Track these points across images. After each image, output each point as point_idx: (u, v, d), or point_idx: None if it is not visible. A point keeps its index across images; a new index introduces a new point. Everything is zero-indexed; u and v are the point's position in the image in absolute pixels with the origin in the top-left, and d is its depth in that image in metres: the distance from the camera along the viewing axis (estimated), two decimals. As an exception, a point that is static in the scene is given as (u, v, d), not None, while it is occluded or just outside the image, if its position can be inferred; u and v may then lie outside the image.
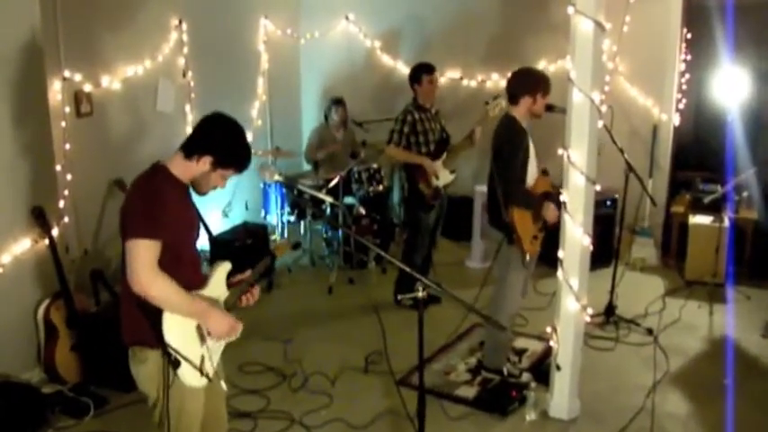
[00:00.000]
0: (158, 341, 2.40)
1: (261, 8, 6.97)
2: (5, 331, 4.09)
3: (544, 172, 4.13)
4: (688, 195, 6.17)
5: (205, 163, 2.52)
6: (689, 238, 5.78)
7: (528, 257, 4.00)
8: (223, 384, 2.70)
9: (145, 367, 2.51)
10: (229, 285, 2.73)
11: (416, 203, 5.20)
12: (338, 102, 6.64)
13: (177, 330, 2.45)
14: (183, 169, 2.54)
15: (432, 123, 5.20)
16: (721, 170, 5.70)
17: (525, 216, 3.95)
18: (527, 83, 4.02)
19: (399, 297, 5.32)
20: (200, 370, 2.50)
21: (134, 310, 2.41)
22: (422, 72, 5.19)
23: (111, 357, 3.59)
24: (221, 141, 2.52)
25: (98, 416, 3.91)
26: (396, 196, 7.11)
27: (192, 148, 2.53)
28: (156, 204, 2.42)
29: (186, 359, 2.45)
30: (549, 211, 3.91)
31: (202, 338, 2.54)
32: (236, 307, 2.74)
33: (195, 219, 2.70)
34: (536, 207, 3.95)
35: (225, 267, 2.72)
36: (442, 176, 5.15)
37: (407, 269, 2.66)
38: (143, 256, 2.35)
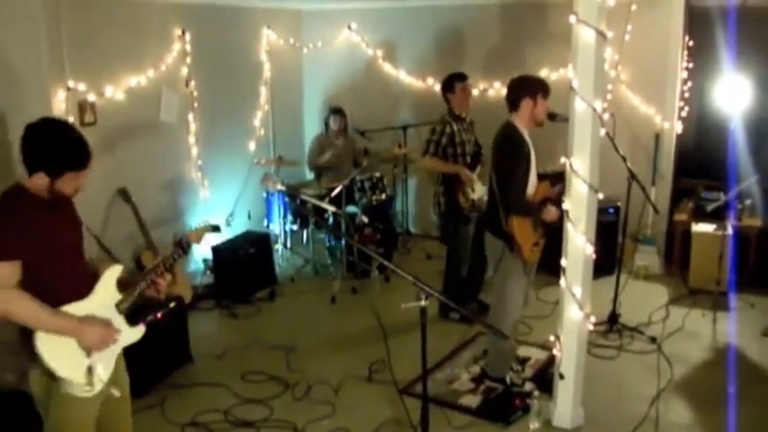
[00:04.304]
0: (32, 356, 2.43)
1: (263, 18, 7.00)
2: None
3: (541, 177, 4.15)
4: (691, 203, 6.16)
5: (41, 177, 2.46)
6: (692, 246, 5.76)
7: (528, 265, 4.03)
8: (114, 391, 2.66)
9: (31, 379, 2.56)
10: (127, 286, 2.72)
11: (454, 217, 5.09)
12: (337, 111, 6.67)
13: (54, 344, 2.46)
14: (34, 185, 2.49)
15: (467, 135, 5.12)
16: (724, 178, 5.67)
17: (525, 224, 3.95)
18: (526, 86, 4.03)
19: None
20: (90, 381, 2.52)
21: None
22: (454, 80, 5.10)
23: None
24: (42, 155, 2.45)
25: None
26: (398, 203, 7.12)
27: (27, 166, 2.48)
28: (9, 225, 2.40)
29: (56, 373, 2.45)
30: (550, 214, 3.94)
31: (87, 350, 2.53)
32: (136, 302, 2.72)
33: (66, 233, 2.63)
34: (536, 214, 3.97)
35: (113, 272, 2.71)
36: (478, 189, 5.02)
37: (409, 277, 2.66)
38: None
